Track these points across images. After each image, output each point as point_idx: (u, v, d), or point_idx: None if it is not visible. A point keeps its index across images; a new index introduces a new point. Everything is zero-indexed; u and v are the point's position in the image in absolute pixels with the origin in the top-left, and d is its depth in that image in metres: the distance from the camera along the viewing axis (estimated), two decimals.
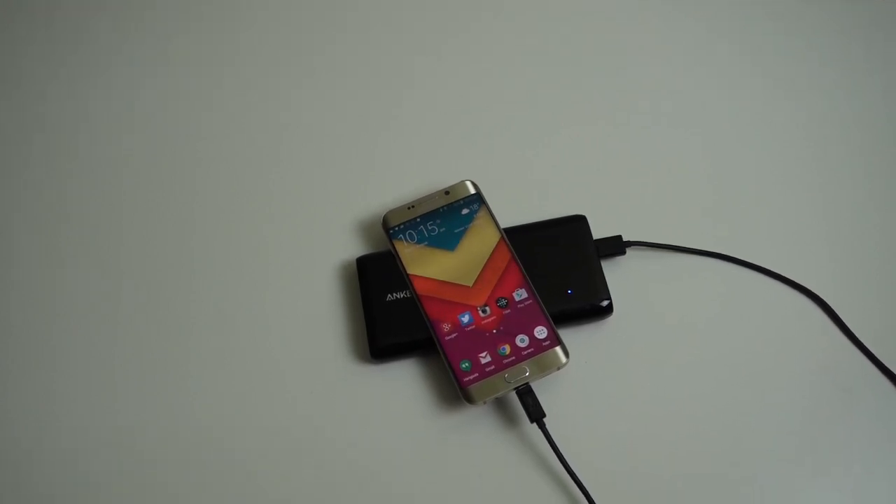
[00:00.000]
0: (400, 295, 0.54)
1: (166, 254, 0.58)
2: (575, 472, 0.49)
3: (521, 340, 0.51)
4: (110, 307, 0.56)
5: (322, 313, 0.56)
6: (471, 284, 0.53)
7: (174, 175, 0.60)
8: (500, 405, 0.53)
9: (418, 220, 0.55)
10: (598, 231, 0.56)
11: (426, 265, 0.54)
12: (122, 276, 0.57)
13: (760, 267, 0.56)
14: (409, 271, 0.54)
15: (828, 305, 0.54)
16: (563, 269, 0.54)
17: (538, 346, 0.51)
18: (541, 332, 0.51)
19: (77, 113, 0.62)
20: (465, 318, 0.52)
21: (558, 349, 0.51)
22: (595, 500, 0.49)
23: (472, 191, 0.56)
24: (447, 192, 0.56)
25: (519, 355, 0.51)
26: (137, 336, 0.55)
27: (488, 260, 0.54)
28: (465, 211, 0.55)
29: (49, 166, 0.61)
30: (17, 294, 0.57)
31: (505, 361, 0.51)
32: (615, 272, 0.55)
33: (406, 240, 0.55)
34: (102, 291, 0.57)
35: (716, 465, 0.51)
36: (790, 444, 0.51)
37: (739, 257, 0.56)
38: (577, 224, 0.55)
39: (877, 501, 0.50)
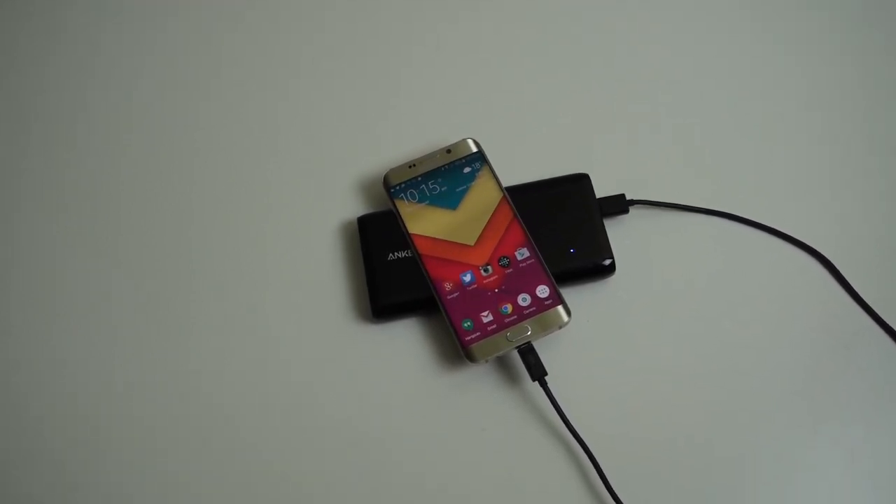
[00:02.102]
0: (401, 254, 0.53)
1: (165, 217, 0.58)
2: (576, 429, 0.50)
3: (523, 299, 0.51)
4: (109, 274, 0.56)
5: (323, 273, 0.55)
6: (472, 243, 0.53)
7: (173, 137, 0.60)
8: (502, 364, 0.53)
9: (419, 178, 0.55)
10: (601, 190, 0.55)
11: (428, 224, 0.54)
12: (121, 245, 0.57)
13: (763, 225, 0.55)
14: (410, 230, 0.53)
15: (830, 263, 0.54)
16: (566, 228, 0.53)
17: (540, 305, 0.51)
18: (543, 290, 0.51)
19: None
20: (467, 278, 0.52)
21: (560, 308, 0.51)
22: (596, 458, 0.49)
23: (474, 149, 0.55)
24: (449, 151, 0.55)
25: (521, 314, 0.51)
26: (137, 302, 0.55)
27: (490, 219, 0.53)
28: (466, 169, 0.55)
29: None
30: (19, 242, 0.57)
31: (507, 320, 0.51)
32: (618, 231, 0.55)
33: (407, 199, 0.54)
34: (102, 255, 0.57)
35: (717, 424, 0.51)
36: (791, 403, 0.51)
37: (742, 215, 0.56)
38: (579, 182, 0.55)
39: (877, 458, 0.50)
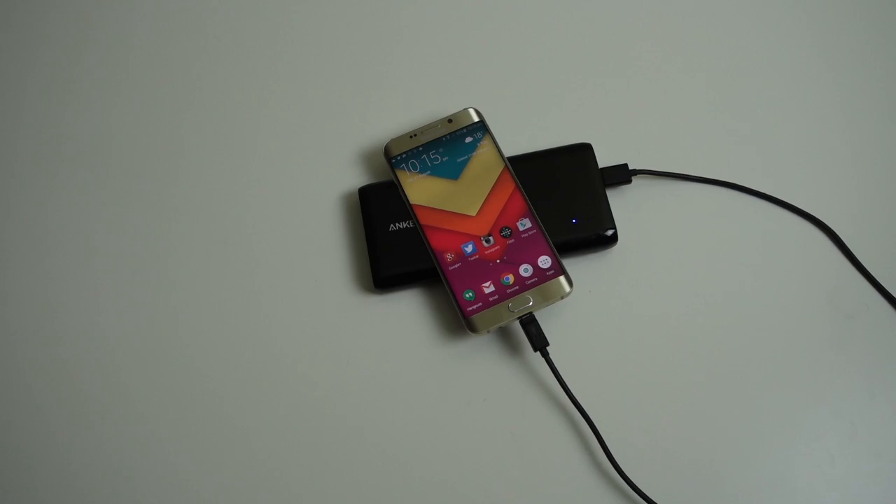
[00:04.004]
0: (403, 225, 0.53)
1: (165, 192, 0.57)
2: (578, 399, 0.50)
3: (525, 270, 0.51)
4: (106, 253, 0.56)
5: (325, 244, 0.55)
6: (474, 214, 0.53)
7: (173, 104, 0.59)
8: (504, 334, 0.53)
9: (421, 149, 0.54)
10: (604, 159, 0.55)
11: (429, 195, 0.53)
12: (119, 220, 0.57)
13: (767, 195, 0.55)
14: (411, 201, 0.53)
15: (834, 233, 0.54)
16: (568, 198, 0.53)
17: (542, 276, 0.51)
18: (545, 261, 0.51)
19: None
20: (469, 248, 0.52)
21: (562, 279, 0.51)
22: (597, 427, 0.49)
23: (476, 119, 0.55)
24: (450, 121, 0.55)
25: (522, 285, 0.51)
26: (138, 273, 0.55)
27: (492, 189, 0.53)
28: (468, 139, 0.54)
29: (45, 104, 0.60)
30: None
31: (508, 291, 0.51)
32: (620, 201, 0.55)
33: (408, 169, 0.54)
34: (106, 225, 0.57)
35: (718, 393, 0.51)
36: (794, 373, 0.52)
37: (746, 185, 0.55)
38: (582, 152, 0.54)
39: (879, 429, 0.50)
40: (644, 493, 0.48)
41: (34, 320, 0.54)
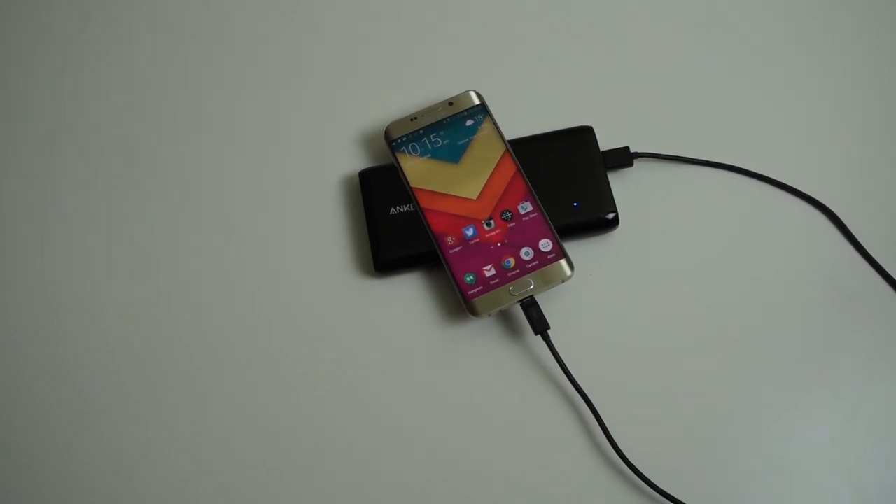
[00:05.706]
0: (403, 208, 0.53)
1: (165, 174, 0.57)
2: (578, 383, 0.50)
3: (526, 253, 0.51)
4: (109, 243, 0.56)
5: (325, 228, 0.55)
6: (475, 197, 0.52)
7: (170, 89, 0.59)
8: (505, 318, 0.53)
9: (421, 132, 0.54)
10: (605, 142, 0.55)
11: (430, 178, 0.53)
12: (124, 198, 0.57)
13: (768, 178, 0.55)
14: (412, 184, 0.53)
15: (835, 216, 0.54)
16: (569, 182, 0.53)
17: (543, 259, 0.51)
18: (546, 244, 0.51)
19: None
20: (470, 232, 0.52)
21: (563, 262, 0.51)
22: (598, 411, 0.50)
23: (477, 101, 0.55)
24: (451, 103, 0.55)
25: (523, 268, 0.51)
26: (137, 264, 0.55)
27: (493, 172, 0.53)
28: (469, 122, 0.54)
29: (47, 88, 0.60)
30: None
31: (509, 274, 0.51)
32: (622, 184, 0.55)
33: (409, 152, 0.54)
34: (105, 217, 0.56)
35: (718, 375, 0.51)
36: (795, 355, 0.52)
37: (747, 168, 0.55)
38: (583, 135, 0.54)
39: (876, 409, 0.50)
40: (644, 476, 0.49)
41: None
